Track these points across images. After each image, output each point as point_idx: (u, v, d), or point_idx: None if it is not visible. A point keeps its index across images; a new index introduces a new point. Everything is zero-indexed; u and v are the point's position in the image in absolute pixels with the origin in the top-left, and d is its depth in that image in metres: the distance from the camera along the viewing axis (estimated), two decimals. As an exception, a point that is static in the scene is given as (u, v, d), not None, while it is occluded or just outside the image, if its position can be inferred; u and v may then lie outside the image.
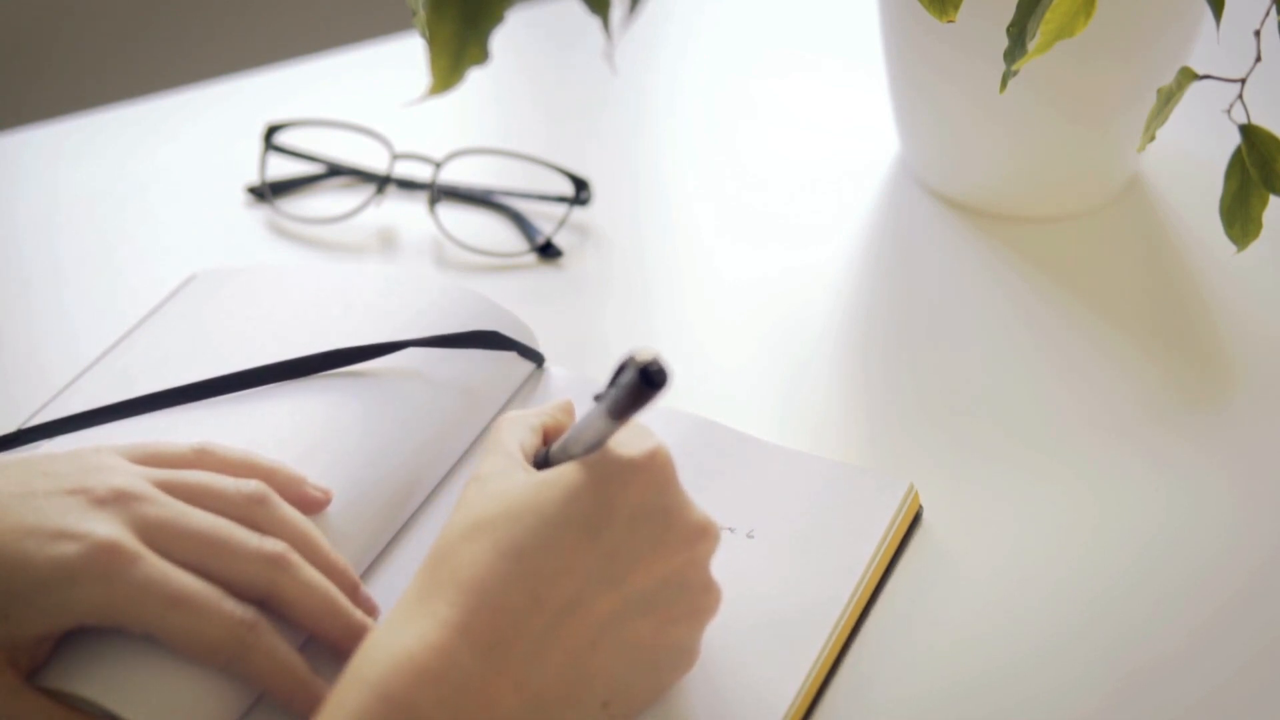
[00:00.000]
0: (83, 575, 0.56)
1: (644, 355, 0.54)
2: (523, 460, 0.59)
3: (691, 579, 0.58)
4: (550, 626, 0.55)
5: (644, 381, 0.54)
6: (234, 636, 0.57)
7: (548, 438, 0.62)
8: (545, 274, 0.86)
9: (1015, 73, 0.70)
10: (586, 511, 0.55)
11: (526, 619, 0.54)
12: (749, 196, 0.92)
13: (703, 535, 0.58)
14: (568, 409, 0.64)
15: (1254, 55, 0.70)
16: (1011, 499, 0.71)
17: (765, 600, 0.64)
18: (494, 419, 0.72)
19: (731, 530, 0.67)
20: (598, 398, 0.56)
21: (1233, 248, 0.72)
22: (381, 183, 0.90)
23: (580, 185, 0.89)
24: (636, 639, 0.57)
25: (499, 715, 0.53)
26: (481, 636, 0.54)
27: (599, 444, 0.57)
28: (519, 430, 0.61)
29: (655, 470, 0.57)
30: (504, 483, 0.57)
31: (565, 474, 0.56)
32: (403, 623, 0.54)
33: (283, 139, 0.92)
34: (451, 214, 0.89)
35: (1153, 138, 0.70)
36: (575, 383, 0.74)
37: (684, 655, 0.60)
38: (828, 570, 0.66)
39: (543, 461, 0.60)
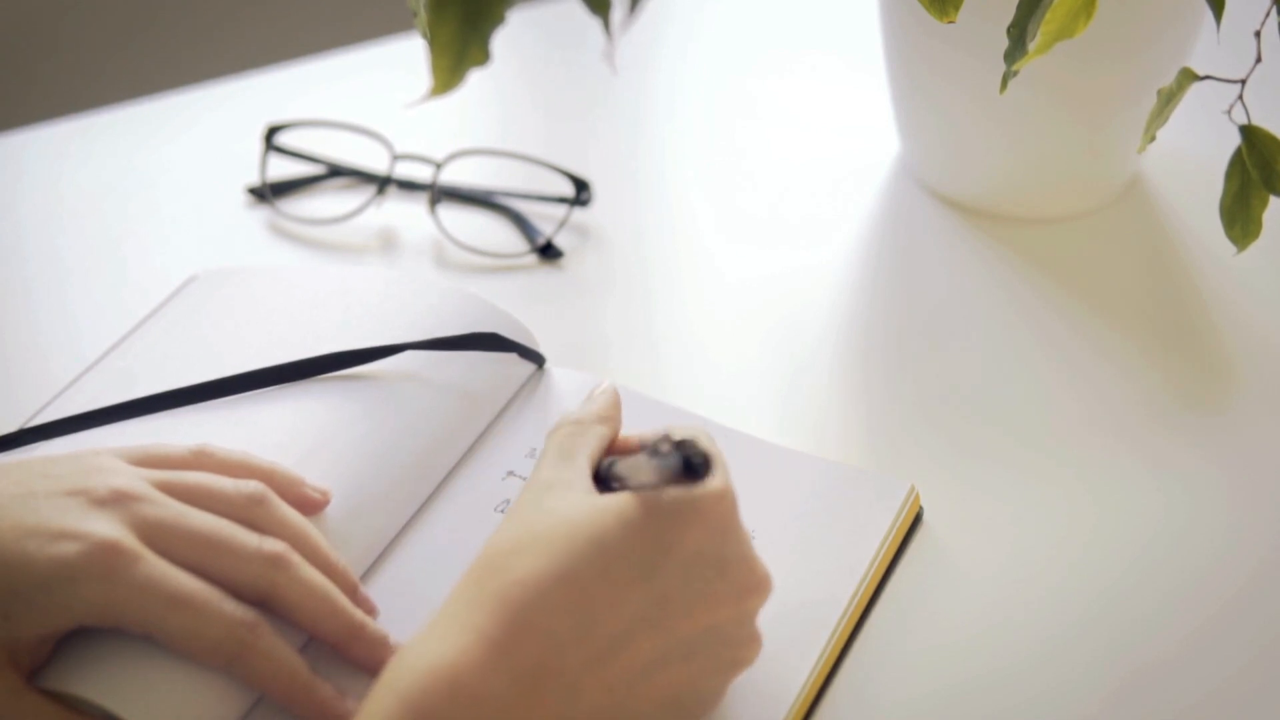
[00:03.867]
0: (83, 575, 0.56)
1: (692, 443, 0.54)
2: (587, 474, 0.58)
3: (735, 632, 0.57)
4: (592, 662, 0.53)
5: (685, 469, 0.54)
6: (233, 637, 0.57)
7: (612, 447, 0.61)
8: (546, 275, 0.86)
9: (1015, 73, 0.70)
10: (644, 549, 0.54)
11: (571, 650, 0.53)
12: (749, 197, 0.93)
13: (756, 589, 0.57)
14: (616, 408, 0.62)
15: (1254, 56, 0.70)
16: (1012, 500, 0.71)
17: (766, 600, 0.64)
18: (494, 421, 0.72)
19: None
20: (654, 450, 0.55)
21: (1233, 248, 0.72)
22: (382, 183, 0.90)
23: (581, 186, 0.89)
24: (671, 684, 0.56)
25: None
26: (523, 662, 0.52)
27: (647, 489, 0.56)
28: (589, 441, 0.60)
29: (719, 516, 0.56)
30: (564, 499, 0.56)
31: (629, 504, 0.55)
32: (444, 630, 0.53)
33: (283, 139, 0.92)
34: (452, 215, 0.89)
35: (1153, 138, 0.70)
36: (576, 383, 0.74)
37: (712, 701, 0.58)
38: (829, 571, 0.66)
39: (604, 472, 0.59)
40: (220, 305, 0.77)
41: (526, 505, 0.57)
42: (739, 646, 0.57)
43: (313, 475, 0.65)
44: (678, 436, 0.55)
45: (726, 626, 0.56)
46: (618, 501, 0.55)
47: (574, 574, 0.53)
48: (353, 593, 0.62)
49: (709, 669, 0.57)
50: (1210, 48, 0.77)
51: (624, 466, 0.58)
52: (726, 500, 0.56)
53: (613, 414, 0.62)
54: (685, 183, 0.95)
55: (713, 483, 0.56)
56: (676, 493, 0.55)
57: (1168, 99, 0.70)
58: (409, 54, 1.02)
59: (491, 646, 0.52)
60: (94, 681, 0.57)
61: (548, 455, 0.59)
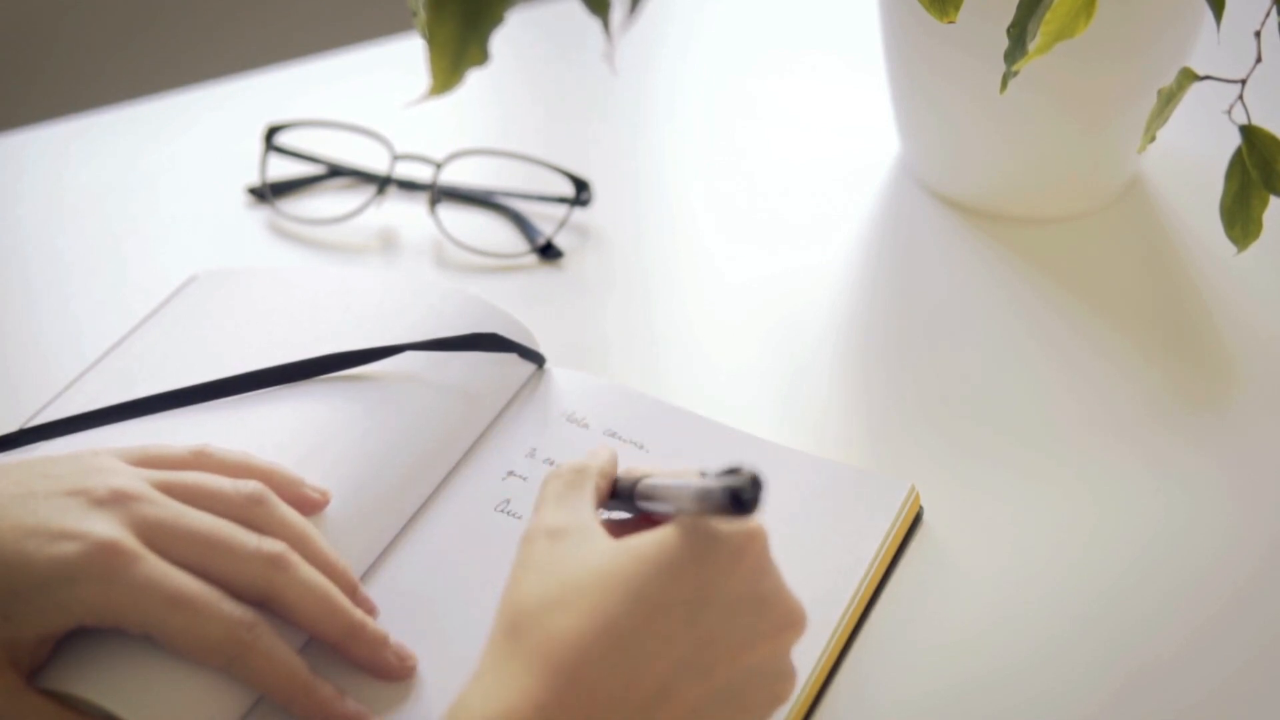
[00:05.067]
0: (83, 575, 0.56)
1: (744, 477, 0.53)
2: (594, 517, 0.58)
3: (773, 667, 0.57)
4: (639, 712, 0.53)
5: (732, 500, 0.53)
6: (233, 637, 0.57)
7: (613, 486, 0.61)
8: (546, 275, 0.86)
9: (1016, 73, 0.70)
10: (684, 596, 0.54)
11: (619, 704, 0.53)
12: (749, 197, 0.92)
13: (793, 625, 0.57)
14: (612, 463, 0.62)
15: (1254, 56, 0.70)
16: (1012, 500, 0.71)
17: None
18: (494, 421, 0.72)
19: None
20: (703, 474, 0.55)
21: (1233, 248, 0.72)
22: (382, 183, 0.90)
23: (581, 186, 0.89)
24: None
25: None
26: None
27: (679, 514, 0.56)
28: (591, 480, 0.59)
29: (755, 557, 0.55)
30: (587, 547, 0.55)
31: (662, 551, 0.54)
32: (488, 692, 0.53)
33: (283, 140, 0.92)
34: (452, 215, 0.89)
35: (1153, 138, 0.70)
36: (576, 382, 0.74)
37: None
38: (829, 570, 0.66)
39: (625, 493, 0.60)
40: (220, 306, 0.77)
41: (541, 554, 0.56)
42: (777, 682, 0.57)
43: (313, 476, 0.65)
44: (724, 468, 0.54)
45: (765, 663, 0.56)
46: (651, 546, 0.54)
47: (617, 627, 0.53)
48: (352, 593, 0.61)
49: (750, 706, 0.56)
50: (1210, 48, 0.77)
51: (664, 488, 0.57)
52: (760, 539, 0.56)
53: (611, 469, 0.62)
54: (685, 183, 0.95)
55: (749, 523, 0.55)
56: (716, 525, 0.55)
57: (1168, 99, 0.70)
58: (409, 54, 1.02)
59: (541, 708, 0.52)
60: (94, 681, 0.57)
61: (548, 501, 0.59)
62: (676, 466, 0.63)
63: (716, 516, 0.54)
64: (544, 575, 0.55)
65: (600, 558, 0.55)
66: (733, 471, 0.54)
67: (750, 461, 0.54)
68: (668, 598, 0.54)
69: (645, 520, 0.60)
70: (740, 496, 0.53)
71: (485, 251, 0.87)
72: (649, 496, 0.59)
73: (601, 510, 0.61)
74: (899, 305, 0.84)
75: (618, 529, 0.59)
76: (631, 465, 0.62)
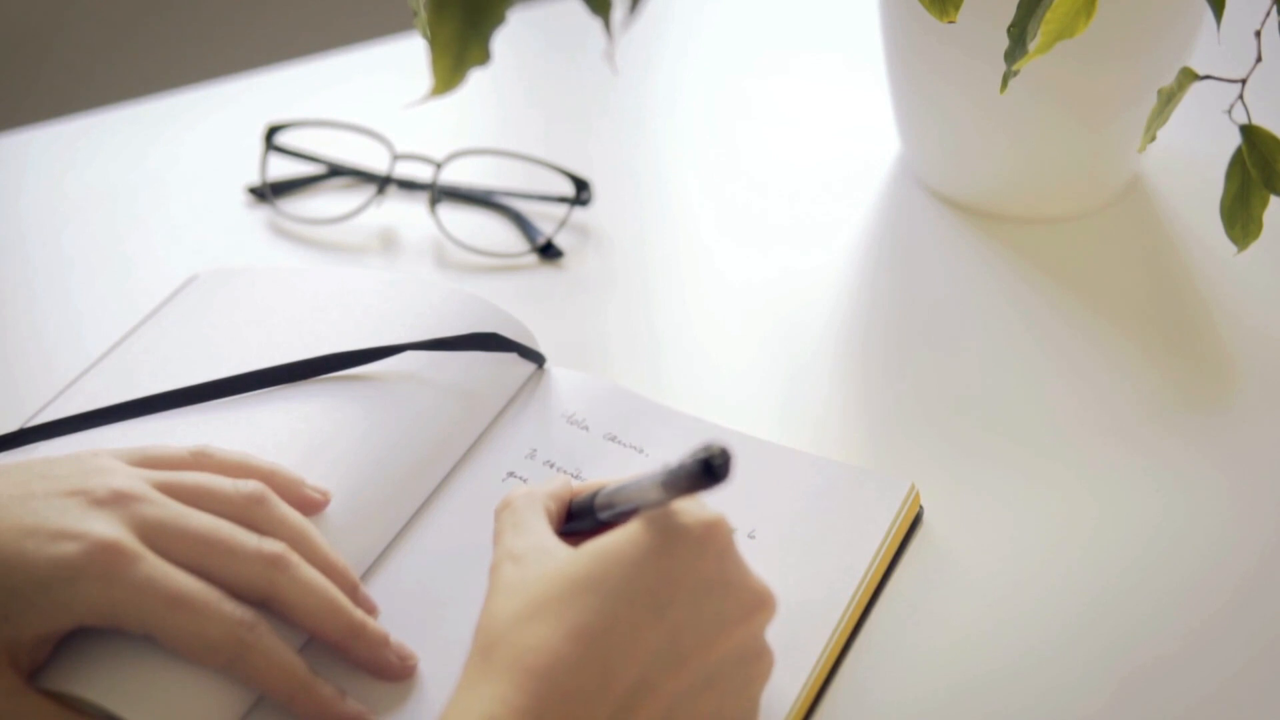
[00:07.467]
0: (83, 575, 0.56)
1: (714, 448, 0.54)
2: (550, 533, 0.58)
3: (748, 649, 0.57)
4: (619, 711, 0.53)
5: (705, 470, 0.53)
6: (233, 637, 0.57)
7: (569, 508, 0.62)
8: (546, 274, 0.86)
9: (1016, 73, 0.70)
10: (650, 588, 0.54)
11: (596, 704, 0.53)
12: (750, 197, 0.93)
13: (760, 607, 0.57)
14: (564, 487, 0.63)
15: (1254, 55, 0.70)
16: (1012, 499, 0.71)
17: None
18: (494, 421, 0.72)
19: (733, 530, 0.67)
20: (667, 466, 0.56)
21: (1233, 248, 0.72)
22: (382, 183, 0.90)
23: (581, 186, 0.89)
24: (701, 716, 0.56)
25: None
26: None
27: (645, 509, 0.56)
28: (540, 502, 0.60)
29: (715, 544, 0.56)
30: (548, 562, 0.56)
31: (623, 547, 0.55)
32: (466, 707, 0.53)
33: (284, 139, 0.92)
34: (452, 214, 0.89)
35: (1153, 138, 0.70)
36: (577, 383, 0.74)
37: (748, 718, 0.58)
38: (829, 570, 0.66)
39: (583, 510, 0.60)
40: (220, 305, 0.77)
41: (508, 578, 0.56)
42: (752, 662, 0.57)
43: (313, 476, 0.65)
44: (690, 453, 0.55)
45: (739, 647, 0.56)
46: (611, 546, 0.55)
47: (586, 628, 0.53)
48: (353, 592, 0.62)
49: (730, 691, 0.57)
50: (1210, 48, 0.77)
51: (626, 488, 0.58)
52: (722, 528, 0.56)
53: (562, 492, 0.62)
54: (685, 183, 0.95)
55: (705, 514, 0.56)
56: (679, 517, 0.55)
57: (1168, 99, 0.70)
58: (409, 54, 1.02)
59: (520, 715, 0.52)
60: (94, 681, 0.57)
61: (504, 530, 0.59)
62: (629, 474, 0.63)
63: (687, 494, 0.54)
64: (512, 595, 0.55)
65: (564, 565, 0.55)
66: (703, 448, 0.55)
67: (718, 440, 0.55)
68: (633, 591, 0.54)
69: (607, 530, 0.60)
70: (711, 464, 0.53)
71: (485, 251, 0.87)
72: (610, 504, 0.59)
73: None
74: (899, 305, 0.84)
75: (581, 542, 0.59)
76: (580, 485, 0.63)
